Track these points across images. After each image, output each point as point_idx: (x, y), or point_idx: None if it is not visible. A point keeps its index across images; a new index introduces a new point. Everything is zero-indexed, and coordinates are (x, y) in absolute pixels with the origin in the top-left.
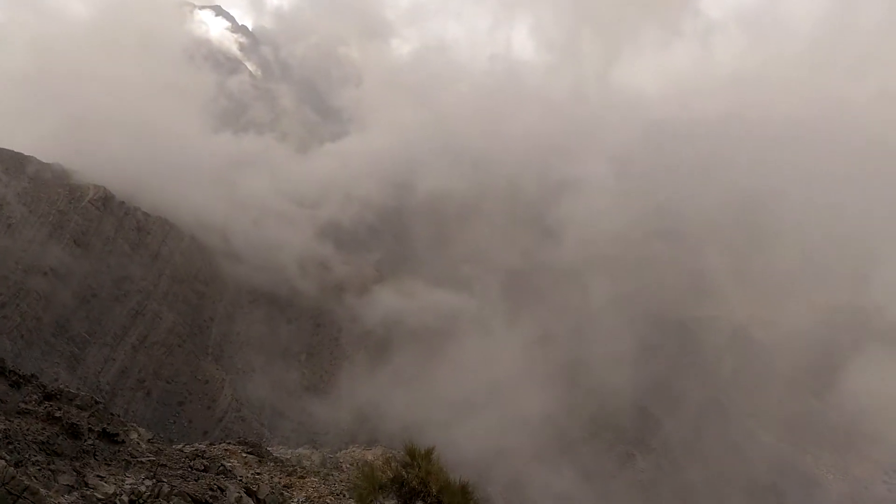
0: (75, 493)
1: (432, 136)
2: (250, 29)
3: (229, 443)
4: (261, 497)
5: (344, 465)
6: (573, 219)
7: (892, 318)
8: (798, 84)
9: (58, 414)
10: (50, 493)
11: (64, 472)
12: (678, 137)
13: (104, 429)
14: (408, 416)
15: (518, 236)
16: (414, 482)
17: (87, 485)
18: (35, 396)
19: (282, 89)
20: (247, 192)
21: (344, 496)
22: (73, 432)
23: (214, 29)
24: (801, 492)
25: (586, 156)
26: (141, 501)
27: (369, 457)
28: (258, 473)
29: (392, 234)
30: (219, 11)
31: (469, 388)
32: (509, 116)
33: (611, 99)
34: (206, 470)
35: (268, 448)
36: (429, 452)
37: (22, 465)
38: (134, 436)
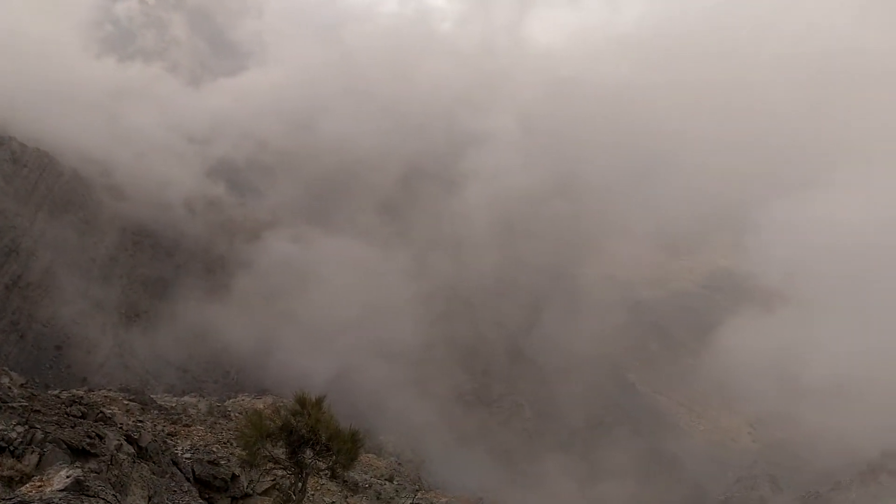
0: None
1: (336, 76)
2: None
3: (110, 390)
4: (142, 445)
5: (232, 414)
6: (478, 172)
7: (765, 283)
8: (700, 48)
9: None
10: None
11: None
12: (584, 96)
13: None
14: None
15: (422, 187)
16: (303, 430)
17: None
18: None
19: (174, 18)
20: (132, 124)
21: (231, 444)
22: None
23: None
24: (675, 442)
25: (493, 109)
26: (11, 448)
27: (259, 405)
28: (140, 421)
29: (290, 177)
30: None
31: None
32: (417, 63)
33: (520, 53)
34: (83, 417)
35: (151, 396)
36: (319, 401)
37: None
38: (5, 380)
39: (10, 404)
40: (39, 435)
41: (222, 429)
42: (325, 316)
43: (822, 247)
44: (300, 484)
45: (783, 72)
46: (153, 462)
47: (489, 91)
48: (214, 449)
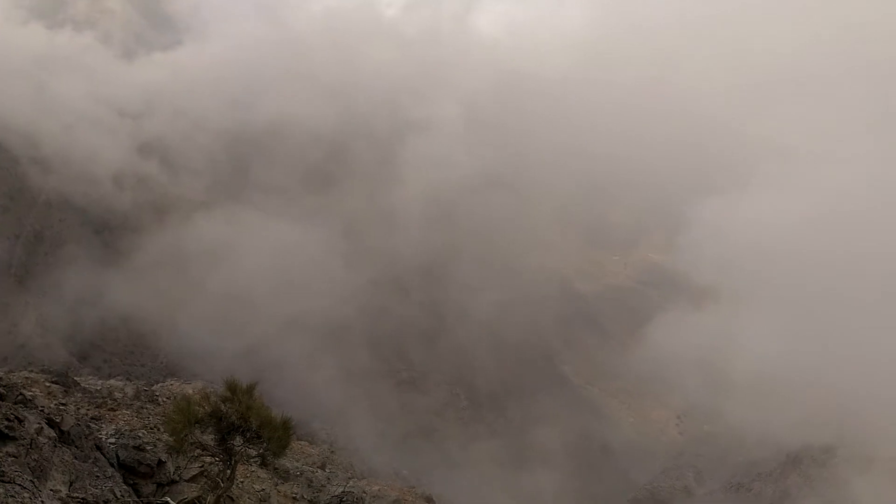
0: None
1: (277, 56)
2: None
3: (31, 371)
4: (65, 429)
5: (161, 399)
6: (419, 161)
7: (696, 280)
8: (638, 48)
9: None
10: None
11: None
12: (527, 89)
13: None
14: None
15: (361, 171)
16: (233, 417)
17: None
18: None
19: None
20: (59, 95)
21: (158, 430)
22: None
23: None
24: (605, 432)
25: (437, 99)
26: None
27: (189, 391)
28: (63, 404)
29: (227, 157)
30: None
31: None
32: (361, 47)
33: (466, 43)
34: (2, 398)
35: (75, 378)
36: (251, 387)
37: None
38: None
39: None
40: None
41: (149, 414)
42: (240, 292)
43: (750, 246)
44: (229, 471)
45: (715, 74)
46: (75, 447)
47: (433, 79)
48: (140, 434)
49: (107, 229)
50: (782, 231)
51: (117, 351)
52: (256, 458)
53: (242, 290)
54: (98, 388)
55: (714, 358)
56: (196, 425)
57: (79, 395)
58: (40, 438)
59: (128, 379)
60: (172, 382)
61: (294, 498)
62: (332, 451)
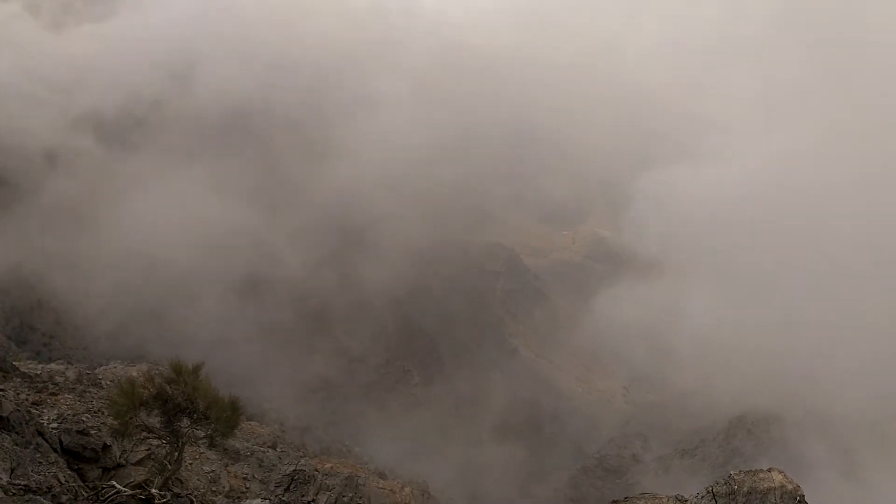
0: None
1: (218, 28)
2: None
3: None
4: (3, 415)
5: (104, 382)
6: (364, 136)
7: (641, 254)
8: (581, 25)
9: None
10: None
11: None
12: (473, 64)
13: None
14: None
15: (305, 146)
16: (179, 398)
17: None
18: None
19: None
20: None
21: (102, 413)
22: None
23: None
24: (555, 403)
25: (383, 73)
26: None
27: (133, 373)
28: (2, 390)
29: (165, 129)
30: None
31: None
32: (304, 20)
33: (411, 17)
34: None
35: (13, 363)
36: (197, 368)
37: None
38: None
39: None
40: None
41: (93, 397)
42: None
43: (692, 218)
44: (176, 453)
45: (655, 51)
46: (16, 433)
47: (379, 54)
48: (84, 418)
49: (37, 205)
50: (723, 203)
51: (56, 333)
52: (204, 440)
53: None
54: (38, 372)
55: (659, 329)
56: (141, 408)
57: (18, 380)
58: None
59: (68, 363)
60: (116, 365)
61: (245, 478)
62: (283, 431)
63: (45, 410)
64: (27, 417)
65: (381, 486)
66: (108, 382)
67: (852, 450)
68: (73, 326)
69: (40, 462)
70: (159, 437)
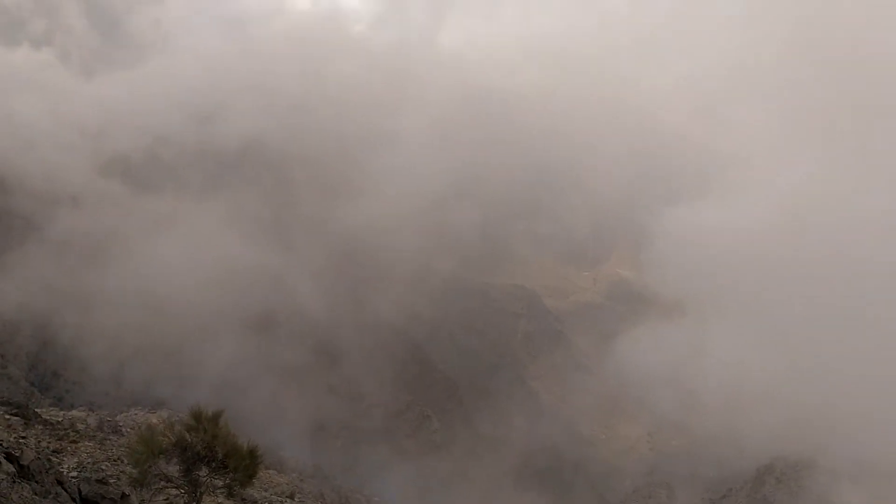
0: None
1: (243, 71)
2: None
3: None
4: (24, 463)
5: (124, 429)
6: (386, 174)
7: (664, 294)
8: (598, 62)
9: None
10: None
11: None
12: (495, 103)
13: None
14: None
15: (328, 186)
16: (198, 446)
17: None
18: None
19: (68, 5)
20: (16, 113)
21: (122, 462)
22: None
23: None
24: (577, 449)
25: (403, 112)
26: None
27: (154, 420)
28: (23, 437)
29: (190, 169)
30: None
31: None
32: (328, 62)
33: (434, 58)
34: None
35: (36, 410)
36: (217, 415)
37: None
38: None
39: None
40: None
41: (113, 445)
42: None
43: (714, 256)
44: (194, 503)
45: (674, 88)
46: (35, 482)
47: (401, 93)
48: (103, 467)
49: (67, 248)
50: (746, 239)
51: (79, 380)
52: (223, 489)
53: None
54: (59, 419)
55: (682, 372)
56: (160, 456)
57: (39, 427)
58: None
59: (90, 409)
60: (136, 412)
61: None
62: (301, 480)
63: (65, 458)
64: (47, 466)
65: None
66: (129, 430)
67: (889, 499)
68: (96, 372)
69: None
70: (178, 487)
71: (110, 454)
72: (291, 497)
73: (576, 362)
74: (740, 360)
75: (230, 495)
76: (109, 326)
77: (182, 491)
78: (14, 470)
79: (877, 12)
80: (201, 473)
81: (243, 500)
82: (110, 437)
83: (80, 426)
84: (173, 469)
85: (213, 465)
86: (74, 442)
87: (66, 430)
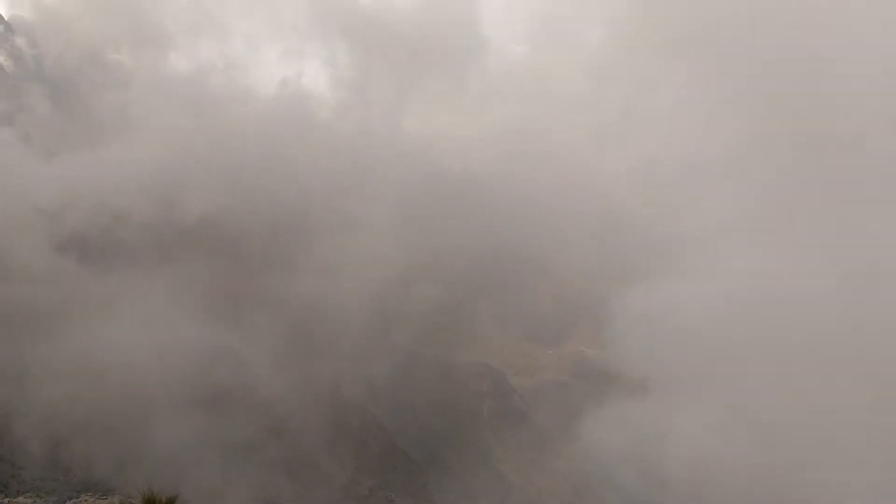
0: None
1: (207, 151)
2: (5, 18)
3: None
4: None
5: None
6: (350, 256)
7: (627, 372)
8: (557, 148)
9: None
10: None
11: None
12: (456, 185)
13: None
14: None
15: (291, 263)
16: None
17: None
18: None
19: (33, 87)
20: None
21: None
22: None
23: None
24: None
25: (369, 195)
26: None
27: None
28: None
29: (146, 247)
30: None
31: None
32: (294, 145)
33: (398, 144)
34: None
35: None
36: (171, 501)
37: None
38: None
39: None
40: None
41: None
42: None
43: (674, 333)
44: None
45: (629, 170)
46: None
47: (364, 176)
48: None
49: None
50: (704, 316)
51: (25, 464)
52: None
53: None
54: None
55: (647, 449)
56: None
57: None
58: None
59: (38, 496)
60: (87, 497)
61: None
62: None
63: None
64: None
65: None
66: None
67: None
68: (33, 451)
69: None
70: None
71: None
72: None
73: (542, 442)
74: (704, 436)
75: None
76: (45, 401)
77: None
78: None
79: (835, 101)
80: None
81: None
82: None
83: None
84: None
85: None
86: None
87: None
